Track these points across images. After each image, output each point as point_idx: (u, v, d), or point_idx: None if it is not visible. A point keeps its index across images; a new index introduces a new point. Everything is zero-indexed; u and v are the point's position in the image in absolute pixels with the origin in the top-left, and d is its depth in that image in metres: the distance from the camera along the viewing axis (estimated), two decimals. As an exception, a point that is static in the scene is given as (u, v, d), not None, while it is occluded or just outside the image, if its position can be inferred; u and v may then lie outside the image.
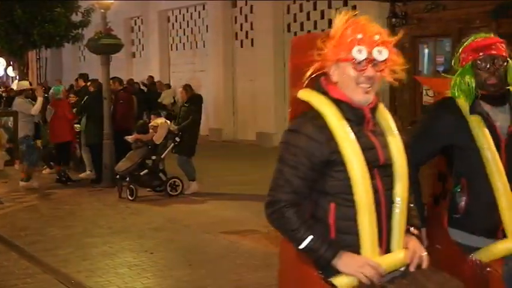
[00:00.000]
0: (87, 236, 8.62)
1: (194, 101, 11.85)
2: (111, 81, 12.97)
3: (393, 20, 14.56)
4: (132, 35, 26.86)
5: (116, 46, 12.69)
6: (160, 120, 11.65)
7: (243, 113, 20.38)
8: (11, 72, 40.95)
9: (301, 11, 18.48)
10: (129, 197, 10.97)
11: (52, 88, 14.28)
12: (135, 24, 26.70)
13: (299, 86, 2.93)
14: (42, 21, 18.36)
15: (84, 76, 15.79)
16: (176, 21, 24.10)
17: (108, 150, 12.27)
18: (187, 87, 11.99)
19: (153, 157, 11.30)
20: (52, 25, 18.36)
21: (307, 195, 2.87)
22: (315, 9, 17.99)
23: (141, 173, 11.16)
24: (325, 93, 2.87)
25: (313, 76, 2.86)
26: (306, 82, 2.88)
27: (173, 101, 19.87)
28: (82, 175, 13.51)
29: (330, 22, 17.81)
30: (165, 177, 11.41)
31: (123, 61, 25.24)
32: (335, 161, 2.78)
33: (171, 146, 11.44)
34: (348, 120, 2.81)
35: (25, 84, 12.56)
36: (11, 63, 38.97)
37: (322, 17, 17.74)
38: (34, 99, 12.44)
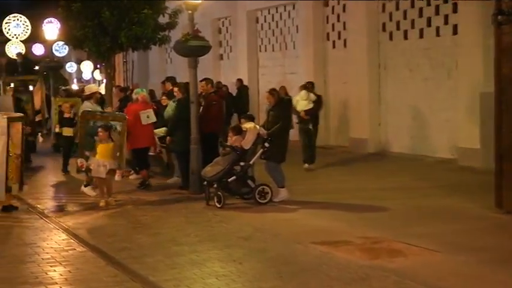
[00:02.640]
0: (175, 243, 8.79)
1: (283, 105, 11.90)
2: (203, 82, 13.20)
3: (499, 17, 14.15)
4: (220, 36, 27.20)
5: (204, 48, 12.85)
6: (250, 125, 11.71)
7: (335, 117, 20.29)
8: (97, 75, 42.43)
9: (397, 9, 18.23)
10: (217, 204, 11.11)
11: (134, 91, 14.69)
12: (223, 25, 27.03)
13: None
14: (130, 23, 18.83)
15: (171, 79, 16.11)
16: (265, 21, 24.25)
17: (195, 156, 12.46)
18: (273, 91, 12.06)
19: (242, 163, 11.40)
20: (139, 27, 18.79)
21: None
22: (412, 6, 17.71)
23: (229, 180, 11.29)
24: None
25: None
26: None
27: None
28: (169, 181, 13.81)
29: (429, 21, 17.53)
30: (253, 184, 11.49)
31: (210, 63, 25.58)
32: None
33: (260, 151, 11.52)
34: None
35: (94, 88, 12.88)
36: (98, 66, 40.34)
37: (421, 15, 17.44)
38: (102, 103, 12.76)
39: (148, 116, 13.26)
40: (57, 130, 16.73)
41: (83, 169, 11.88)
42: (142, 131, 13.13)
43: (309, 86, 15.86)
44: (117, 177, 12.13)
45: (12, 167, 11.10)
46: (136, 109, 13.27)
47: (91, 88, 12.71)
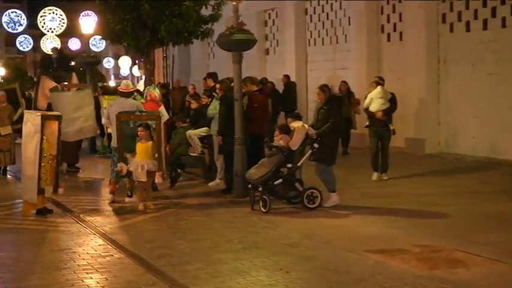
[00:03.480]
0: (217, 251, 8.82)
1: (335, 102, 11.84)
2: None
3: None
4: (266, 29, 27.26)
5: (249, 42, 12.87)
6: (297, 124, 11.70)
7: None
8: (136, 71, 42.90)
9: (458, -2, 18.05)
10: (262, 209, 11.13)
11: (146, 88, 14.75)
12: (269, 17, 27.08)
13: None
14: (170, 16, 18.99)
15: (213, 75, 16.20)
16: (314, 13, 24.22)
17: (239, 157, 12.49)
18: (325, 88, 11.97)
19: (289, 165, 11.39)
20: (180, 20, 18.93)
21: None
22: (475, -4, 17.51)
23: (275, 183, 11.29)
24: None
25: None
26: None
27: None
28: (211, 184, 13.90)
29: (494, 10, 17.23)
30: (301, 187, 11.48)
31: (256, 58, 25.67)
32: None
33: (309, 152, 11.50)
34: None
35: (130, 84, 12.91)
36: (137, 61, 40.80)
37: (485, 5, 17.20)
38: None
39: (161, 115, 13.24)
40: (109, 131, 16.69)
41: (123, 173, 11.95)
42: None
43: (382, 83, 14.81)
44: (157, 179, 12.21)
45: (47, 167, 11.29)
46: (146, 108, 13.25)
47: (127, 85, 12.67)
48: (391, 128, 14.39)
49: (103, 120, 13.53)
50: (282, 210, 11.33)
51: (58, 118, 11.81)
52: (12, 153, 16.08)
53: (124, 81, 13.23)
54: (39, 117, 11.26)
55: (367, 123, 14.63)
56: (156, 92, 14.09)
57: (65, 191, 12.00)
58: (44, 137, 11.24)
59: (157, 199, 12.45)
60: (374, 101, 14.33)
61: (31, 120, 11.35)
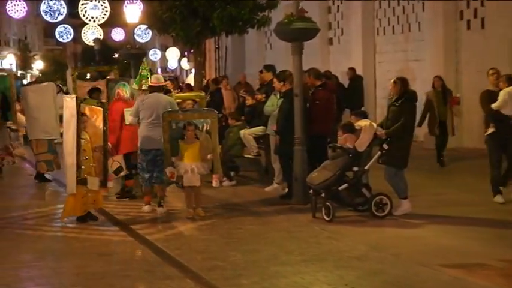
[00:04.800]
0: (275, 263, 8.85)
1: (407, 98, 11.72)
2: (305, 74, 13.21)
3: None
4: (329, 16, 27.21)
5: (311, 31, 12.87)
6: (364, 123, 11.65)
7: (469, 113, 19.85)
8: (185, 64, 43.25)
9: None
10: (325, 217, 11.13)
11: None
12: (333, 3, 27.03)
13: None
14: (224, 3, 19.08)
15: (270, 68, 16.21)
16: (384, -2, 24.12)
17: (299, 159, 12.50)
18: (397, 80, 11.80)
19: (355, 168, 11.36)
20: (235, 7, 19.01)
21: None
22: None
23: (340, 188, 11.27)
24: None
25: None
26: None
27: None
28: (268, 189, 13.92)
29: None
30: (369, 193, 11.44)
31: (318, 49, 25.61)
32: None
33: (378, 154, 11.45)
34: None
35: (161, 78, 12.93)
36: (186, 53, 41.12)
37: None
38: None
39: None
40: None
41: (174, 179, 11.98)
42: (126, 133, 13.15)
43: None
44: (214, 183, 12.23)
45: (88, 154, 11.32)
46: (121, 106, 13.23)
47: (159, 78, 12.69)
48: None
49: (130, 119, 12.68)
50: (347, 218, 11.32)
51: (102, 105, 11.89)
52: (55, 156, 16.15)
53: (155, 75, 13.12)
54: (74, 99, 11.40)
55: (492, 130, 12.81)
56: (125, 90, 13.92)
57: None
58: (86, 122, 11.36)
59: (209, 205, 12.53)
60: (510, 103, 12.51)
61: (67, 104, 11.53)
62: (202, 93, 16.55)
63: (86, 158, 11.36)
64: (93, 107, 11.78)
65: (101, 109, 11.71)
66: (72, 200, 11.45)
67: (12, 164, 17.10)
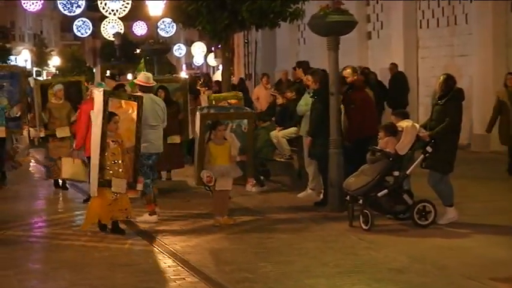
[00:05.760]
0: (309, 275, 8.85)
1: (453, 97, 11.66)
2: (348, 70, 13.18)
3: None
4: (368, 9, 27.16)
5: (348, 24, 12.86)
6: (406, 123, 11.59)
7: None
8: (212, 60, 43.37)
9: None
10: (363, 226, 11.11)
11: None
12: (372, -6, 27.01)
13: None
14: (254, -6, 19.12)
15: (303, 64, 16.20)
16: (428, -12, 24.03)
17: (335, 163, 12.48)
18: (447, 78, 11.72)
19: (396, 173, 11.33)
20: (265, -1, 19.05)
21: None
22: None
23: (379, 194, 11.25)
24: None
25: None
26: None
27: None
28: (301, 195, 13.91)
29: None
30: (411, 200, 11.40)
31: (355, 44, 25.61)
32: None
33: (421, 158, 11.40)
34: None
35: (151, 77, 12.95)
36: (213, 49, 41.24)
37: None
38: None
39: None
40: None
41: (212, 184, 11.89)
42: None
43: None
44: (248, 187, 12.21)
45: (116, 151, 11.19)
46: (84, 109, 13.18)
47: (149, 77, 12.71)
48: None
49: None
50: (387, 227, 11.31)
51: (136, 99, 11.74)
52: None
53: (143, 73, 13.11)
54: (101, 92, 11.36)
55: None
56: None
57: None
58: (118, 123, 11.22)
59: (237, 213, 12.55)
60: None
61: (95, 98, 11.53)
62: (240, 94, 16.56)
63: (115, 162, 11.22)
64: (129, 101, 11.76)
65: (136, 103, 11.62)
66: (96, 206, 11.34)
67: (12, 169, 17.02)
